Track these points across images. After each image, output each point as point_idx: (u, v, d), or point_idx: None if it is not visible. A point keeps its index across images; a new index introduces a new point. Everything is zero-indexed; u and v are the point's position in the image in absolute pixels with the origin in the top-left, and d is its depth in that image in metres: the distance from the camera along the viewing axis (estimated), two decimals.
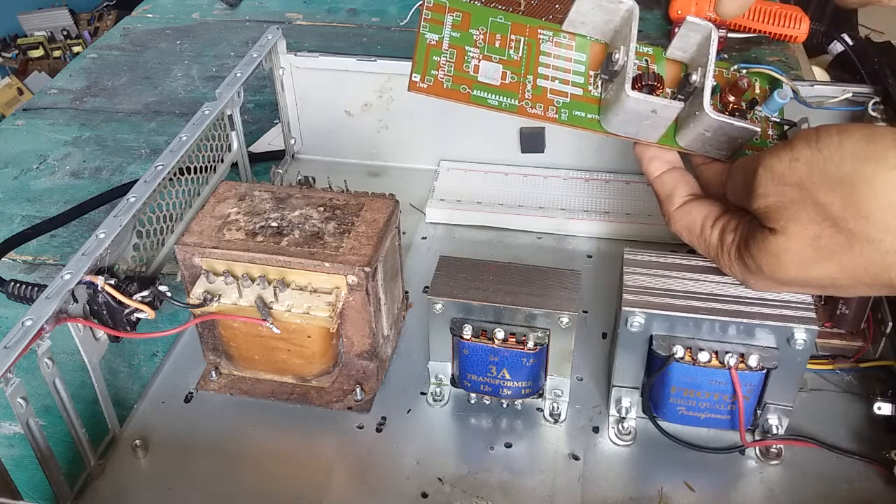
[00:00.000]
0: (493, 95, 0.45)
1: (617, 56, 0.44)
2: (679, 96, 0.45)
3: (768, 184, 0.38)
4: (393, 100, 0.72)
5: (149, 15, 1.11)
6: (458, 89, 0.45)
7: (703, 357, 0.46)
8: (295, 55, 0.71)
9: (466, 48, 0.45)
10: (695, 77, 0.44)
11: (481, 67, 0.45)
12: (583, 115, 0.46)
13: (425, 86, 0.45)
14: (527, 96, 0.45)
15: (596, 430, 0.52)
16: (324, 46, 0.99)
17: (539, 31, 0.46)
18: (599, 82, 0.46)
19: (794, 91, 0.50)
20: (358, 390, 0.54)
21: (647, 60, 0.46)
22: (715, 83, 0.45)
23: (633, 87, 0.43)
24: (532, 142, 0.71)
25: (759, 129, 0.45)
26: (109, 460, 0.51)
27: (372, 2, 1.11)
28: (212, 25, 1.07)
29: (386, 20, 1.06)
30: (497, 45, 0.45)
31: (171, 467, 0.50)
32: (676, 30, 0.47)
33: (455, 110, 0.71)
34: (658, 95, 0.44)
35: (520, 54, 0.45)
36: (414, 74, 0.44)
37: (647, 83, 0.44)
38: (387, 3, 1.10)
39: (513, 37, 0.46)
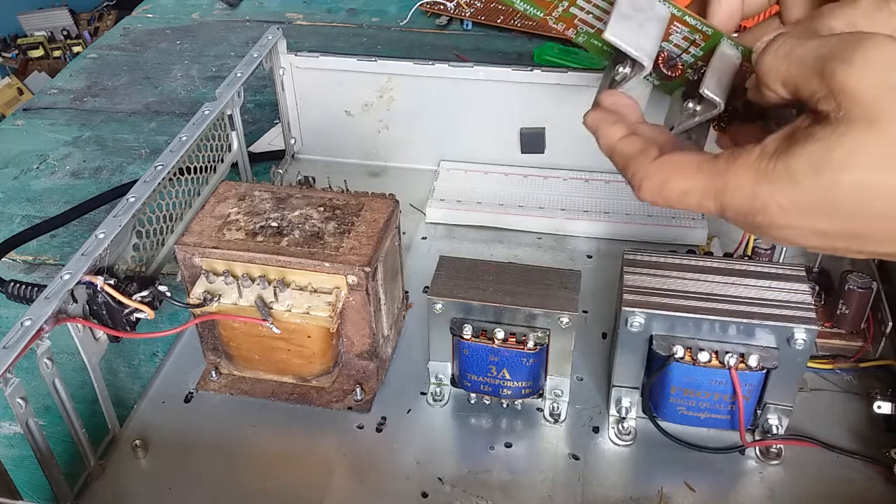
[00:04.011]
0: (521, 1, 0.45)
1: None
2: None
3: (871, 87, 0.33)
4: (393, 100, 0.72)
5: (149, 15, 1.11)
6: None
7: (703, 357, 0.46)
8: (295, 55, 0.71)
9: None
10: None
11: None
12: (599, 44, 0.45)
13: None
14: (555, 14, 0.45)
15: (596, 430, 0.52)
16: (324, 46, 0.99)
17: None
18: None
19: None
20: (358, 390, 0.54)
21: (699, 36, 0.45)
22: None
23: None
24: (532, 142, 0.71)
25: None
26: (109, 460, 0.51)
27: (372, 2, 1.11)
28: (212, 25, 1.07)
29: (386, 20, 1.06)
30: None
31: (171, 467, 0.50)
32: None
33: (455, 110, 0.72)
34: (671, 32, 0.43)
35: None
36: None
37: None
38: (387, 3, 1.10)
39: None
